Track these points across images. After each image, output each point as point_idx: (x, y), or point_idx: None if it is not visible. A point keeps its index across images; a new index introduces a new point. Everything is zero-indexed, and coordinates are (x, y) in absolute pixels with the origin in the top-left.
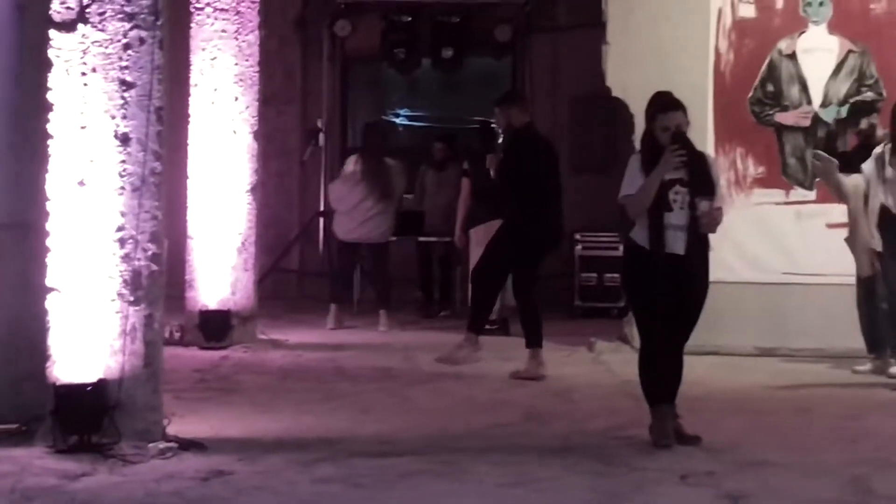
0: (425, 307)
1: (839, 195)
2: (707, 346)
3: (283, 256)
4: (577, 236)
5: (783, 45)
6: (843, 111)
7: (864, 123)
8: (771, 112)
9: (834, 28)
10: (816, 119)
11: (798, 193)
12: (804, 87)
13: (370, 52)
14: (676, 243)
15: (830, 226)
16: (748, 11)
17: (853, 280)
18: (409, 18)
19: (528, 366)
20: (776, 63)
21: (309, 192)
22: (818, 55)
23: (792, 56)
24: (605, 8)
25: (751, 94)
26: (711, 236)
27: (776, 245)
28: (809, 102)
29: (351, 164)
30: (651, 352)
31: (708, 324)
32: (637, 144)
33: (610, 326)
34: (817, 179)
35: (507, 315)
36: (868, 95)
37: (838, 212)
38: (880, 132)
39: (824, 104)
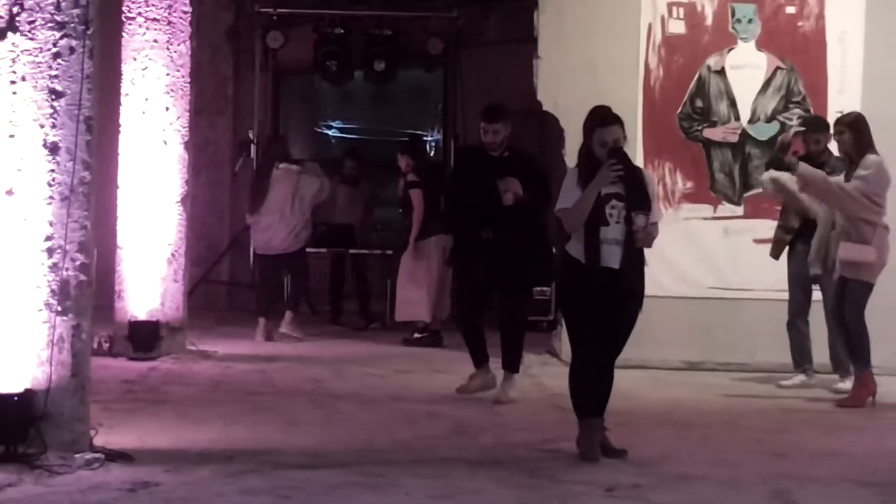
0: (335, 319)
1: (799, 201)
2: (634, 360)
3: (214, 267)
4: None
5: (712, 61)
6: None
7: (793, 129)
8: (699, 127)
9: (762, 45)
10: (745, 135)
11: (726, 209)
12: (733, 103)
13: (302, 64)
14: (612, 257)
15: (757, 241)
16: (678, 28)
17: (779, 295)
18: (342, 31)
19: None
20: (705, 79)
21: (240, 204)
22: (747, 71)
23: (721, 72)
24: (536, 23)
25: (680, 110)
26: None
27: (704, 260)
28: (738, 118)
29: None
30: (582, 365)
31: (636, 338)
32: (568, 159)
33: (539, 339)
34: (746, 195)
35: (439, 328)
36: (796, 112)
37: (765, 227)
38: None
39: (752, 120)
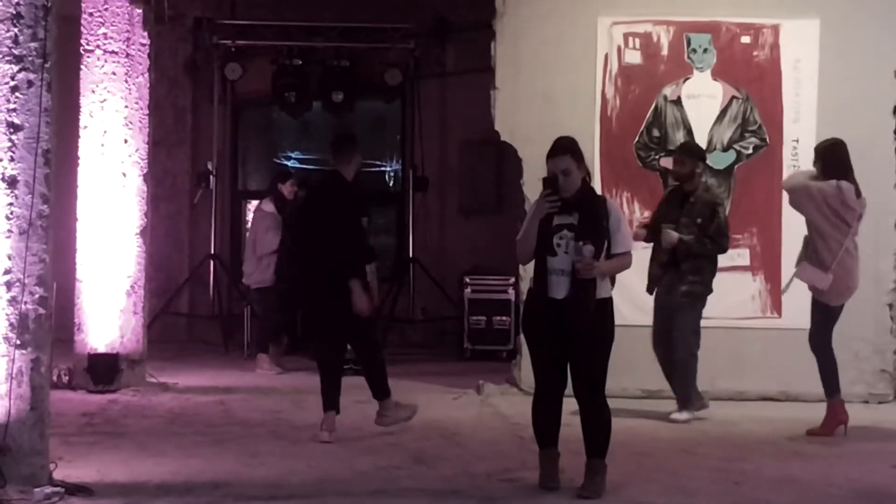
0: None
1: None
2: None
3: (173, 299)
4: (467, 279)
5: (668, 90)
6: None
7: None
8: (656, 157)
9: (718, 74)
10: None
11: None
12: (689, 133)
13: (261, 95)
14: (558, 288)
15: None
16: (634, 58)
17: (739, 323)
18: (300, 62)
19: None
20: (661, 108)
21: (199, 235)
22: (702, 101)
23: (677, 102)
24: (493, 53)
25: (637, 139)
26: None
27: None
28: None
29: None
30: (539, 394)
31: None
32: (525, 188)
33: (499, 369)
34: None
35: None
36: (752, 141)
37: (723, 256)
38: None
39: (709, 149)
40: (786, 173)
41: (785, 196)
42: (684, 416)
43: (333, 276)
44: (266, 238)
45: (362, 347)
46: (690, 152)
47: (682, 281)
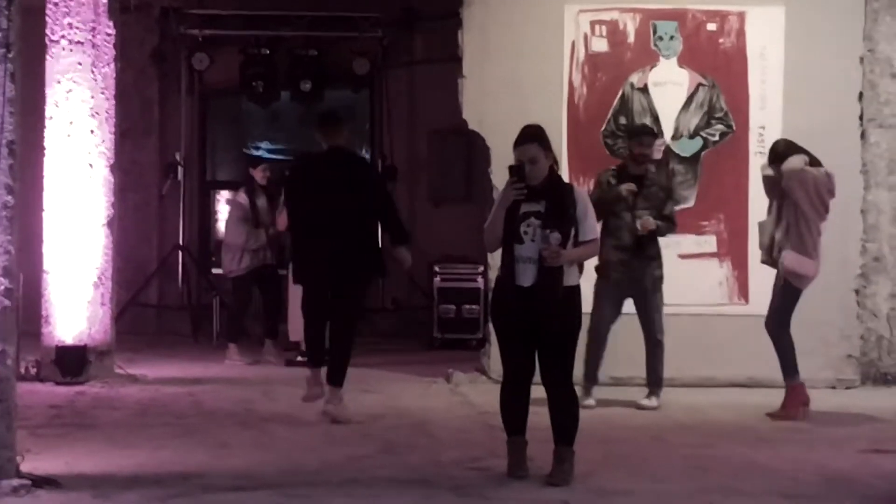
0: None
1: None
2: None
3: (142, 291)
4: (436, 268)
5: (635, 78)
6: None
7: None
8: (623, 144)
9: (684, 62)
10: (668, 151)
11: None
12: (656, 120)
13: (229, 86)
14: (525, 275)
15: (682, 256)
16: (601, 45)
17: (706, 310)
18: (268, 52)
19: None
20: (628, 96)
21: (168, 226)
22: (669, 88)
23: (644, 89)
24: (461, 42)
25: (604, 127)
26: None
27: None
28: (661, 135)
29: None
30: (507, 382)
31: None
32: (493, 177)
33: (468, 358)
34: None
35: None
36: (718, 128)
37: (689, 242)
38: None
39: (675, 136)
40: (752, 160)
41: (752, 183)
42: (654, 402)
43: (361, 247)
44: (233, 229)
45: (345, 326)
46: (654, 134)
47: (651, 265)
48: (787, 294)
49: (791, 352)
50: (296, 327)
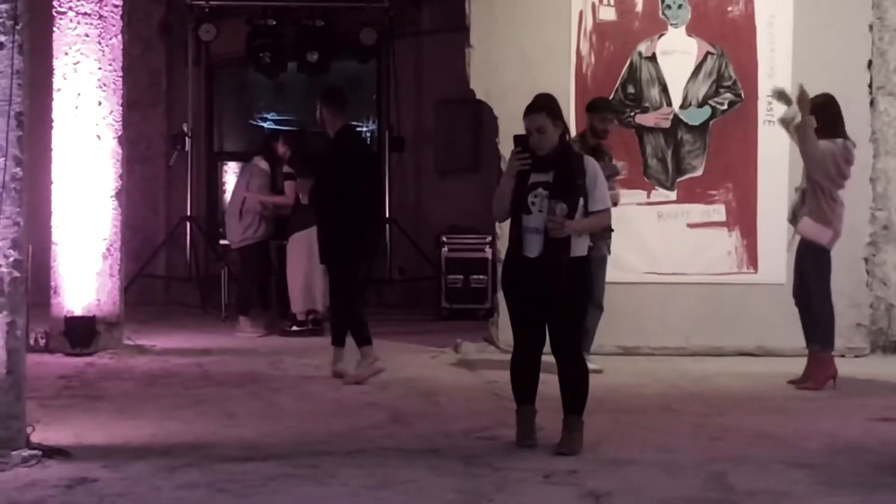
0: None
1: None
2: None
3: (150, 262)
4: (444, 238)
5: (643, 47)
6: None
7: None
8: (632, 114)
9: (692, 30)
10: (677, 120)
11: (659, 194)
12: (664, 89)
13: (235, 57)
14: (531, 246)
15: (691, 225)
16: (608, 14)
17: (713, 279)
18: (274, 22)
19: (360, 366)
20: (636, 65)
21: (175, 197)
22: (677, 57)
23: (652, 58)
24: (467, 11)
25: (612, 96)
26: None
27: (638, 245)
28: (669, 104)
29: None
30: (517, 352)
31: None
32: (501, 146)
33: (476, 327)
34: (679, 180)
35: (322, 318)
36: (727, 97)
37: (698, 212)
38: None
39: (684, 105)
40: (761, 129)
41: (761, 151)
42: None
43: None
44: (254, 196)
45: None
46: (616, 111)
47: (603, 236)
48: (818, 261)
49: (831, 321)
50: (297, 298)
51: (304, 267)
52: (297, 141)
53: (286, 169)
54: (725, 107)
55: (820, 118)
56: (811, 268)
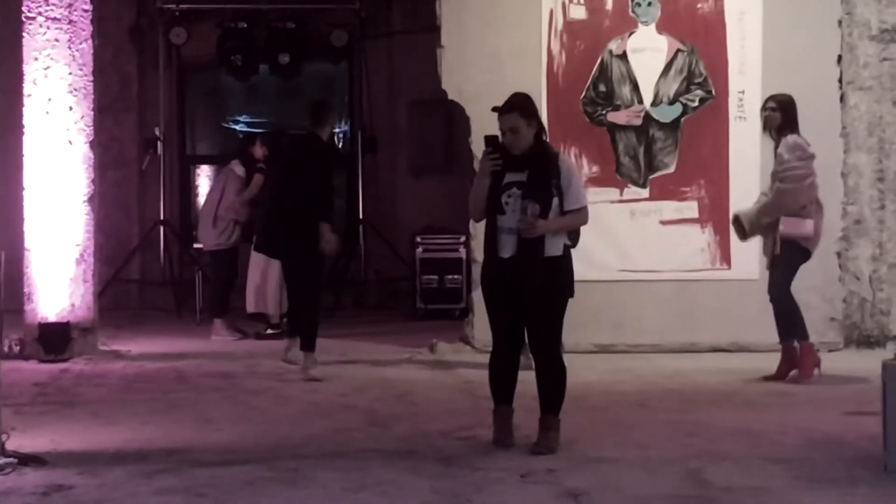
0: None
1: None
2: None
3: (124, 267)
4: (418, 238)
5: (613, 45)
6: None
7: None
8: (603, 112)
9: (662, 28)
10: (648, 118)
11: (632, 192)
12: (635, 87)
13: (207, 60)
14: (505, 246)
15: (664, 222)
16: (579, 13)
17: (687, 275)
18: (245, 25)
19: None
20: (607, 63)
21: (148, 202)
22: (648, 55)
23: (622, 56)
24: (438, 12)
25: (583, 95)
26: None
27: (612, 243)
28: (641, 101)
29: None
30: (495, 352)
31: None
32: (473, 146)
33: (451, 327)
34: (651, 177)
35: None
36: (698, 94)
37: (671, 209)
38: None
39: (655, 103)
40: (732, 125)
41: (732, 148)
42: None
43: (303, 224)
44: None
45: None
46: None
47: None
48: (790, 258)
49: (798, 312)
50: (250, 297)
51: (261, 267)
52: (274, 141)
53: (259, 165)
54: (697, 104)
55: (785, 116)
56: (785, 264)
